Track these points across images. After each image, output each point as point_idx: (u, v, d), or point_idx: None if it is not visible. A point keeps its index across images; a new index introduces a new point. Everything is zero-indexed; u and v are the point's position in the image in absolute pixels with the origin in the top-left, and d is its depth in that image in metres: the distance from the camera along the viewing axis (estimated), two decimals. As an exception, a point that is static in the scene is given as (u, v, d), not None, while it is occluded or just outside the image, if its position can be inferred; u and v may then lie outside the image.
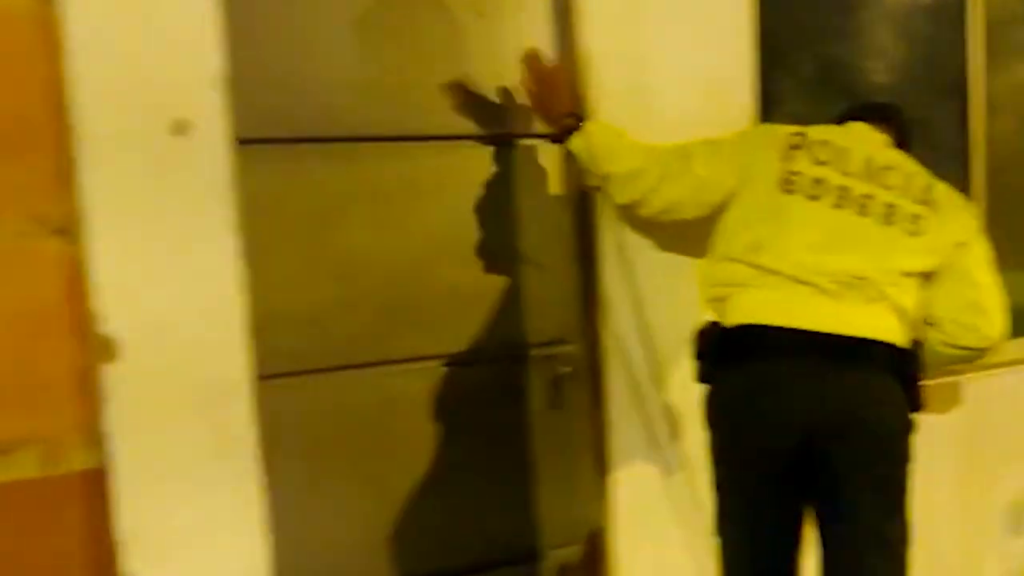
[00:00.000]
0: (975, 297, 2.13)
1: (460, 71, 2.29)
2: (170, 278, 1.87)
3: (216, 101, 1.88)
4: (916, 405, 2.08)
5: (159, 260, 1.86)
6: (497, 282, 2.37)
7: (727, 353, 2.11)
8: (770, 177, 2.14)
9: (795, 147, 2.16)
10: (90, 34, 1.77)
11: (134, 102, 1.81)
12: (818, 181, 2.12)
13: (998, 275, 2.18)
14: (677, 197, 2.22)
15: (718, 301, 2.18)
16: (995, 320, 2.14)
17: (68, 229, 1.79)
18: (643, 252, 2.42)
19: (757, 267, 2.09)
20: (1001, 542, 3.23)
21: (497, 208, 2.35)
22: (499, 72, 2.32)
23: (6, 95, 1.75)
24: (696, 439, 2.25)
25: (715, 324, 2.16)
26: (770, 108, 2.62)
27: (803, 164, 2.14)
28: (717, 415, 2.12)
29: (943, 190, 2.19)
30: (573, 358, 2.44)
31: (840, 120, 2.33)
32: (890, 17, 2.98)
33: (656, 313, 2.44)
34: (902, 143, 2.30)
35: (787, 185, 2.12)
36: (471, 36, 2.32)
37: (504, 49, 2.32)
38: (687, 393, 2.30)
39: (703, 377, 2.16)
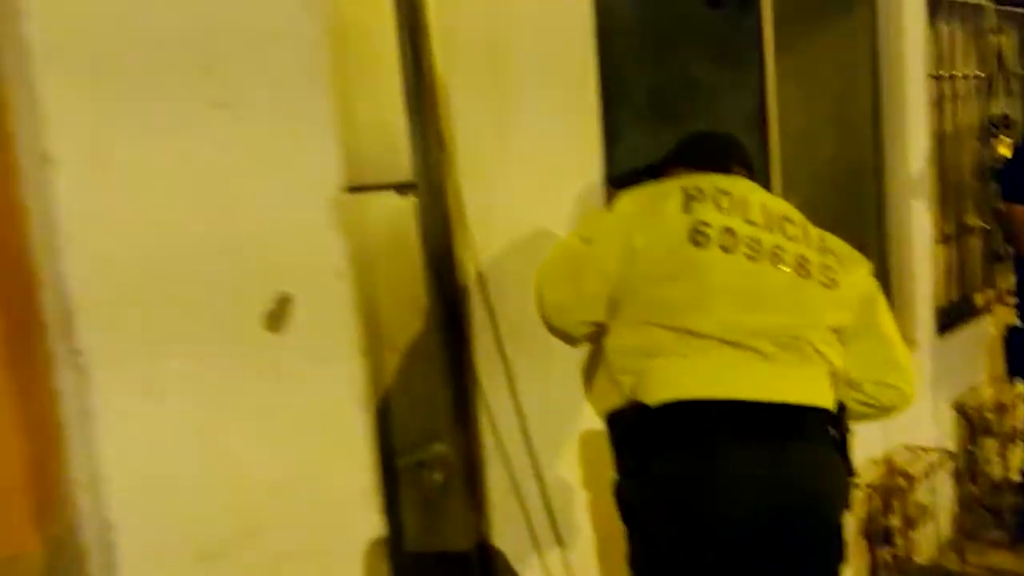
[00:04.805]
0: (892, 356, 2.00)
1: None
2: None
3: None
4: (851, 471, 1.94)
5: None
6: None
7: (658, 439, 1.82)
8: (676, 230, 1.89)
9: (694, 198, 1.92)
10: None
11: None
12: (728, 231, 1.89)
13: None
14: (590, 317, 1.98)
15: (632, 375, 1.88)
16: (911, 377, 2.02)
17: None
18: (514, 327, 2.13)
19: (681, 331, 1.83)
20: None
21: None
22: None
23: None
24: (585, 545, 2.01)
25: (637, 405, 1.86)
26: (613, 142, 2.41)
27: (710, 214, 1.90)
28: (653, 516, 1.83)
29: (835, 240, 2.03)
30: (445, 461, 2.17)
31: (693, 159, 2.10)
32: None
33: (531, 400, 2.16)
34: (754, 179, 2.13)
35: (697, 236, 1.87)
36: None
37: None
38: (572, 494, 2.06)
39: (627, 471, 1.88)
